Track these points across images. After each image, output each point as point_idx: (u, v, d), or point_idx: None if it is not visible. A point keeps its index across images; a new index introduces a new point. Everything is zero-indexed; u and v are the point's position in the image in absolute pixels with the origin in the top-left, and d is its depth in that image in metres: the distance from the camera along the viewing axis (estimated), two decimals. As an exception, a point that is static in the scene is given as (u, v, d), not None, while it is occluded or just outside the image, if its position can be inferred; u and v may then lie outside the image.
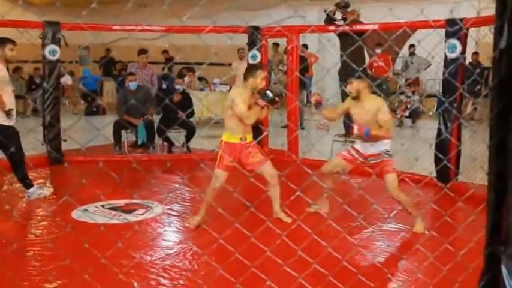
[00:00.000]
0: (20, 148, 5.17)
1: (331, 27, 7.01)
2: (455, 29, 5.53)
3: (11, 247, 3.80)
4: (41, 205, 5.10)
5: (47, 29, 6.64)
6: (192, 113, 8.00)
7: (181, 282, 3.43)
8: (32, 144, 6.43)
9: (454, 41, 5.56)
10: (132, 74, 7.81)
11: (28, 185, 5.28)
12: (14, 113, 5.10)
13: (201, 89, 10.99)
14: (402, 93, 10.69)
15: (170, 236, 4.45)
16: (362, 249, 3.95)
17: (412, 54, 12.00)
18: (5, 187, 5.68)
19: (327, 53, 12.18)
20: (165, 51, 13.79)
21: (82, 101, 12.97)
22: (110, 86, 13.31)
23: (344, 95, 7.13)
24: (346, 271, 3.31)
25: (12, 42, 5.13)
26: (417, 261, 3.70)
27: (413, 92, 10.73)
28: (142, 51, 8.44)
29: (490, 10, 2.09)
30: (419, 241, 3.73)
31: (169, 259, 3.78)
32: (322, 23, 7.43)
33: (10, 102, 5.07)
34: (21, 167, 5.20)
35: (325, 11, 7.31)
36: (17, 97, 11.48)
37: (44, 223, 4.54)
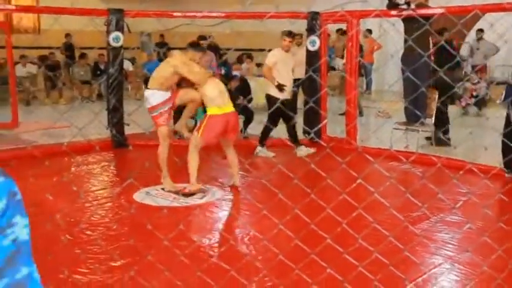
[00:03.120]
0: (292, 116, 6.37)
1: (394, 12, 6.79)
2: (529, 11, 5.23)
3: (78, 226, 3.97)
4: (105, 187, 5.29)
5: (111, 16, 6.82)
6: (251, 100, 8.02)
7: (239, 266, 3.47)
8: (97, 128, 6.65)
9: (527, 25, 5.26)
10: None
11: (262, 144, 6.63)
12: (286, 88, 6.36)
13: (259, 76, 10.99)
14: (468, 80, 10.26)
15: (229, 220, 4.50)
16: (424, 239, 3.85)
17: (479, 39, 11.43)
18: (73, 169, 5.92)
19: (388, 39, 11.87)
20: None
21: (144, 87, 13.29)
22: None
23: (407, 82, 6.91)
24: (407, 261, 3.24)
25: (288, 35, 6.38)
26: (483, 254, 3.55)
27: (479, 79, 10.28)
28: (202, 37, 8.52)
29: None
30: (486, 233, 3.58)
31: (227, 243, 3.82)
32: (384, 8, 7.20)
33: (284, 79, 6.36)
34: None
35: None
36: (84, 83, 12.09)
37: (109, 204, 4.70)
